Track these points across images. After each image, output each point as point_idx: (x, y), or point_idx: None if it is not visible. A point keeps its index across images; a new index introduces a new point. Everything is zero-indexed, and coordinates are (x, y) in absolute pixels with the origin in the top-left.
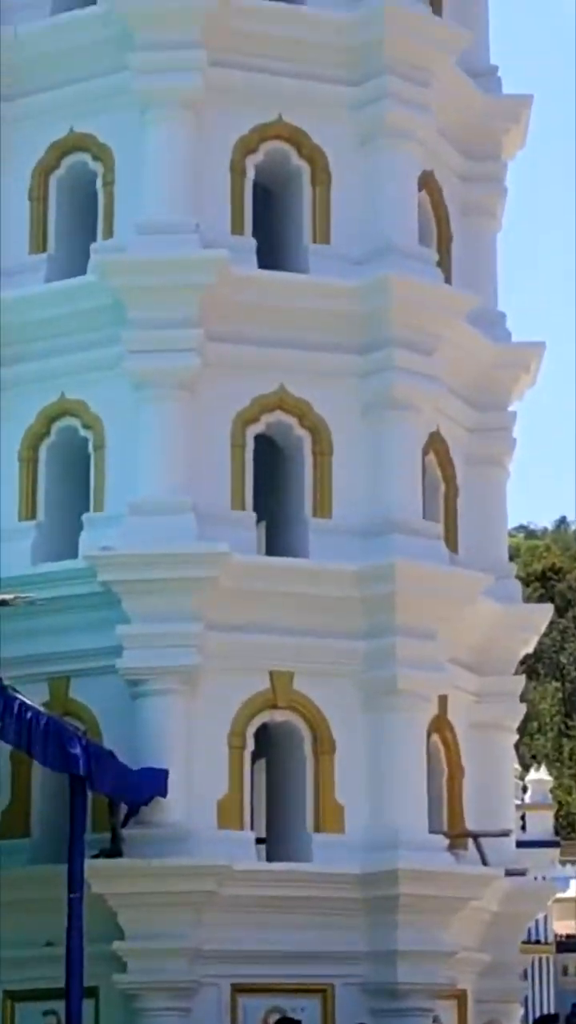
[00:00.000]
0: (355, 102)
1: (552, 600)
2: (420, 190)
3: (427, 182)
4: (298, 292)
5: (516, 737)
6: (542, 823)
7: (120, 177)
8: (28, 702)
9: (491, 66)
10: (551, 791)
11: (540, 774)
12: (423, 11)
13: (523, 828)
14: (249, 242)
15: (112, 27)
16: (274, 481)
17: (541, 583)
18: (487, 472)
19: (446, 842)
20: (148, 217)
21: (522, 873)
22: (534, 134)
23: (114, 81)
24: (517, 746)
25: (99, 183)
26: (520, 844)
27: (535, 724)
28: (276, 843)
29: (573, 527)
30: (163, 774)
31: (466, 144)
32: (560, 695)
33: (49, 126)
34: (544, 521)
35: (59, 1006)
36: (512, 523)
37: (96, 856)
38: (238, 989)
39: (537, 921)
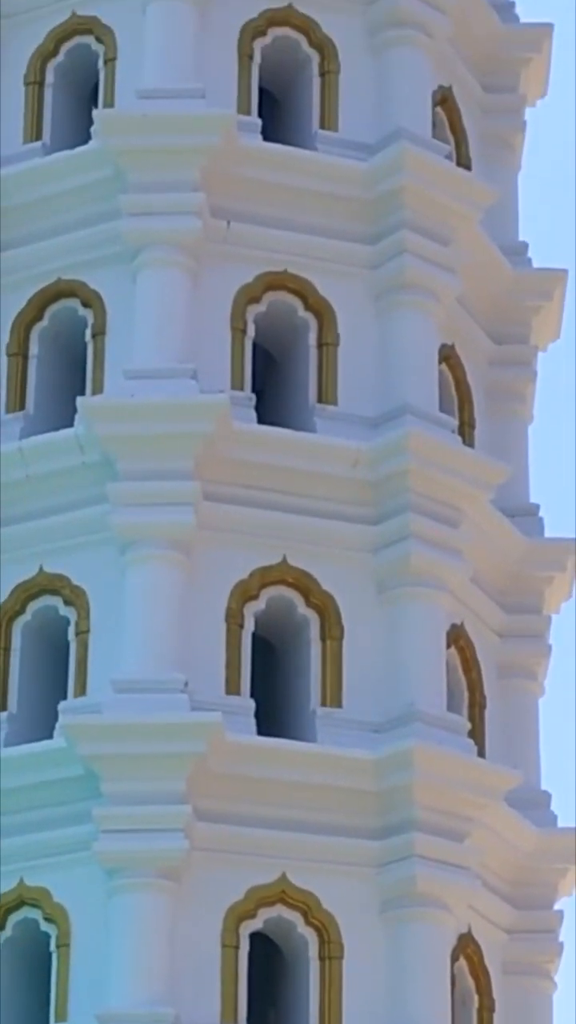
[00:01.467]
0: (372, 545)
1: None
2: (449, 646)
3: (457, 637)
4: (300, 763)
5: None
6: None
7: None
8: None
9: (532, 505)
10: None
11: None
12: (452, 440)
13: None
14: (247, 704)
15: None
16: (274, 989)
17: None
18: (529, 984)
19: None
20: (127, 675)
21: None
22: None
23: (92, 515)
24: None
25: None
26: None
27: None
28: None
29: None
30: None
31: (503, 592)
32: None
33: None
34: None
35: None
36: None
37: None
38: None
39: None
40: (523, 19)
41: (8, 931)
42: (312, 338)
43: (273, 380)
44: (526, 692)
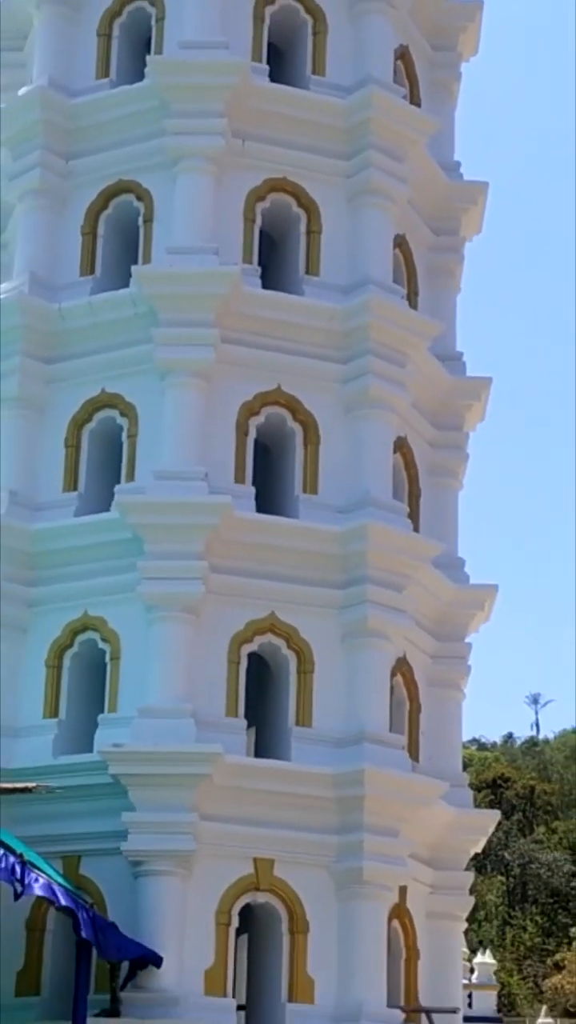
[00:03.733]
0: (343, 377)
1: (500, 805)
2: (395, 452)
3: (401, 446)
4: (289, 534)
5: (465, 925)
6: (486, 1002)
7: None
8: (46, 873)
9: (458, 352)
10: (495, 973)
11: (485, 958)
12: (402, 304)
13: (469, 1005)
14: (249, 490)
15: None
16: (264, 694)
17: (492, 790)
18: (445, 694)
19: (402, 1016)
20: (164, 466)
21: None
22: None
23: (141, 351)
24: (466, 933)
25: (124, 436)
26: (466, 1019)
27: (482, 913)
28: (254, 1011)
29: (518, 742)
30: (153, 954)
31: (435, 415)
32: (504, 888)
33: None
34: (494, 736)
35: None
36: (465, 736)
37: (97, 1015)
38: None
39: None
40: None
41: (75, 648)
42: (302, 227)
43: (274, 257)
44: (449, 487)
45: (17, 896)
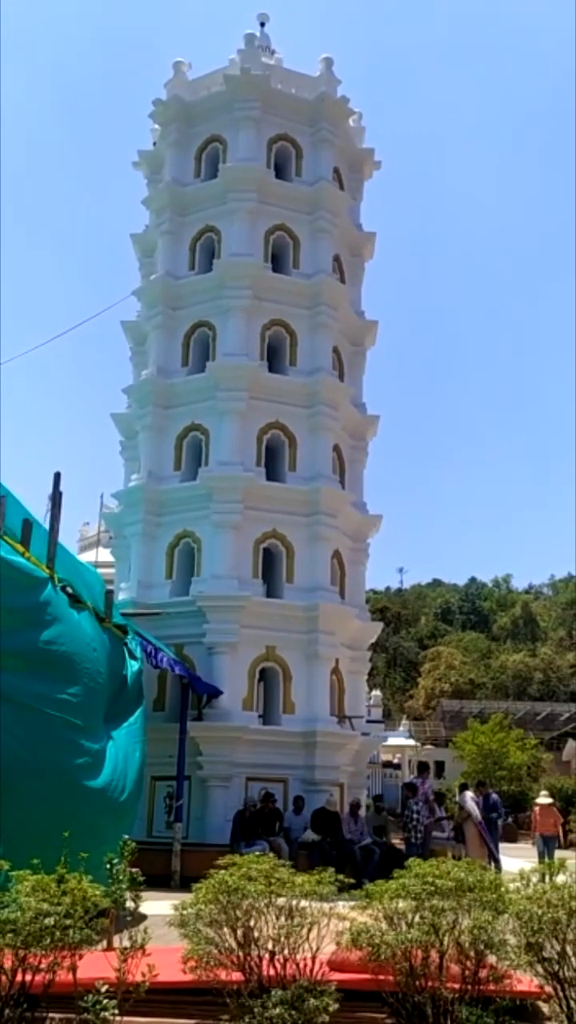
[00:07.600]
0: (308, 415)
1: (383, 620)
2: (333, 452)
3: (336, 448)
4: (281, 491)
5: (366, 676)
6: (376, 713)
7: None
8: (169, 652)
9: (363, 402)
10: (381, 700)
11: (376, 692)
12: (336, 380)
13: (368, 714)
14: (262, 470)
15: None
16: (270, 567)
17: (380, 613)
18: (357, 568)
19: (336, 720)
20: (222, 457)
21: (367, 734)
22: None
23: (210, 404)
24: (367, 681)
25: (203, 444)
26: (368, 722)
27: (375, 671)
28: (267, 717)
29: (392, 590)
30: (218, 689)
31: (352, 432)
32: (385, 659)
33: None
34: (380, 587)
35: (173, 783)
36: (366, 587)
37: (192, 719)
38: (248, 778)
39: (374, 753)
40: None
41: (180, 545)
42: (288, 340)
43: (273, 350)
44: (359, 468)
45: (155, 666)
